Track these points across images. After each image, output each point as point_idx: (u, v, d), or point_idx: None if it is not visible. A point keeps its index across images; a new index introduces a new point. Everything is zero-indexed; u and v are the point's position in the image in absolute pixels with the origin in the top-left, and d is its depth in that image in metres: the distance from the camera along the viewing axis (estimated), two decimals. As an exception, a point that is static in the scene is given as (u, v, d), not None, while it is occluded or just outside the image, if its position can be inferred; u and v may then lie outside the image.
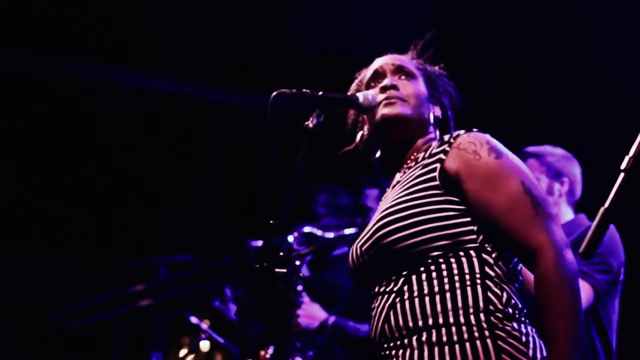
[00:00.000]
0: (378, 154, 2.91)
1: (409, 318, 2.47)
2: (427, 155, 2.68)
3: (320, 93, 2.67)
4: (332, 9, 6.35)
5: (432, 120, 2.84)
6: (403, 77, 2.84)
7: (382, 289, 2.58)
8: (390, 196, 2.68)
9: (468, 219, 2.51)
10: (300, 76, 5.70)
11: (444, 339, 2.40)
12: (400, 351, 2.48)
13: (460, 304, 2.42)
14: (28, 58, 6.57)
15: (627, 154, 1.80)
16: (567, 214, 4.21)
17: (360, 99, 2.77)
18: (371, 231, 2.60)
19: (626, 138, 2.02)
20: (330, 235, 4.69)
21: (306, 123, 2.63)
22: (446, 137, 2.66)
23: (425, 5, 5.95)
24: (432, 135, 2.84)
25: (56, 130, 6.80)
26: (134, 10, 6.38)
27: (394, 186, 2.75)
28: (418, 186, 2.58)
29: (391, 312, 2.52)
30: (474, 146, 2.56)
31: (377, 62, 2.92)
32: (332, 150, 3.01)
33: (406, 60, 2.92)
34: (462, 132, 2.64)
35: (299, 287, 4.40)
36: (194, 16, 6.43)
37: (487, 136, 2.61)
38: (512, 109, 5.89)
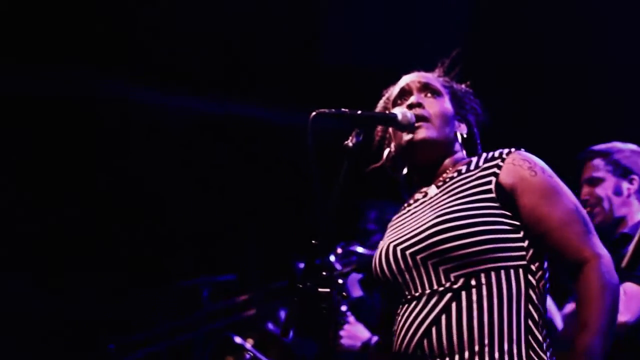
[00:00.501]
0: (405, 170, 2.92)
1: (454, 338, 2.46)
2: (472, 167, 2.70)
3: (359, 112, 2.67)
4: (360, 23, 6.36)
5: (458, 138, 2.85)
6: (429, 94, 2.85)
7: (423, 299, 2.56)
8: (430, 206, 2.69)
9: (519, 235, 2.56)
10: (328, 90, 5.75)
11: None
12: None
13: (505, 331, 2.46)
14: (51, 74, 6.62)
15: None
16: (639, 213, 4.02)
17: (399, 117, 2.75)
18: (423, 235, 2.58)
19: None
20: (361, 250, 4.65)
21: (346, 142, 2.63)
22: (495, 153, 2.70)
23: (458, 24, 5.93)
24: (459, 154, 2.84)
25: (84, 148, 6.83)
26: (164, 28, 6.42)
27: (431, 198, 2.74)
28: (474, 196, 2.60)
29: (434, 328, 2.50)
30: (529, 163, 2.63)
31: (404, 80, 2.92)
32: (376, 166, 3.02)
33: (432, 77, 2.92)
34: (512, 149, 2.69)
35: (343, 307, 4.37)
36: (222, 31, 6.45)
37: (535, 157, 2.68)
38: (537, 128, 5.83)
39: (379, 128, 2.99)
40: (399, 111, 2.77)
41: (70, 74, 6.58)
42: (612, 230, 3.97)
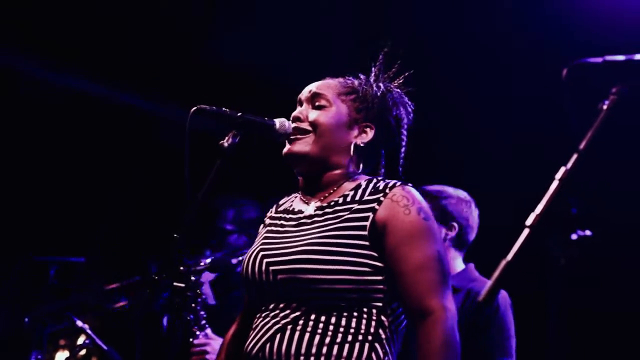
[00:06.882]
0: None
1: (293, 348, 2.51)
2: (357, 197, 2.67)
3: (240, 114, 2.67)
4: (252, 23, 6.33)
5: (351, 147, 2.77)
6: (316, 104, 2.81)
7: (276, 309, 2.59)
8: (307, 227, 2.68)
9: (380, 278, 2.56)
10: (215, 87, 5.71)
11: None
12: None
13: (336, 352, 2.49)
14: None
15: (533, 210, 1.85)
16: (456, 262, 4.08)
17: (277, 125, 2.76)
18: (289, 258, 2.59)
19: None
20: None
21: (221, 142, 2.64)
22: (381, 185, 2.67)
23: (354, 31, 5.91)
24: (351, 169, 2.78)
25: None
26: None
27: (311, 218, 2.72)
28: (347, 231, 2.59)
29: (277, 335, 2.55)
30: (407, 201, 2.60)
31: (303, 91, 2.89)
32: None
33: (328, 85, 2.85)
34: (397, 182, 2.67)
35: (202, 313, 4.21)
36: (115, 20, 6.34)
37: (420, 196, 2.66)
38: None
39: None
40: (279, 120, 2.78)
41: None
42: None
